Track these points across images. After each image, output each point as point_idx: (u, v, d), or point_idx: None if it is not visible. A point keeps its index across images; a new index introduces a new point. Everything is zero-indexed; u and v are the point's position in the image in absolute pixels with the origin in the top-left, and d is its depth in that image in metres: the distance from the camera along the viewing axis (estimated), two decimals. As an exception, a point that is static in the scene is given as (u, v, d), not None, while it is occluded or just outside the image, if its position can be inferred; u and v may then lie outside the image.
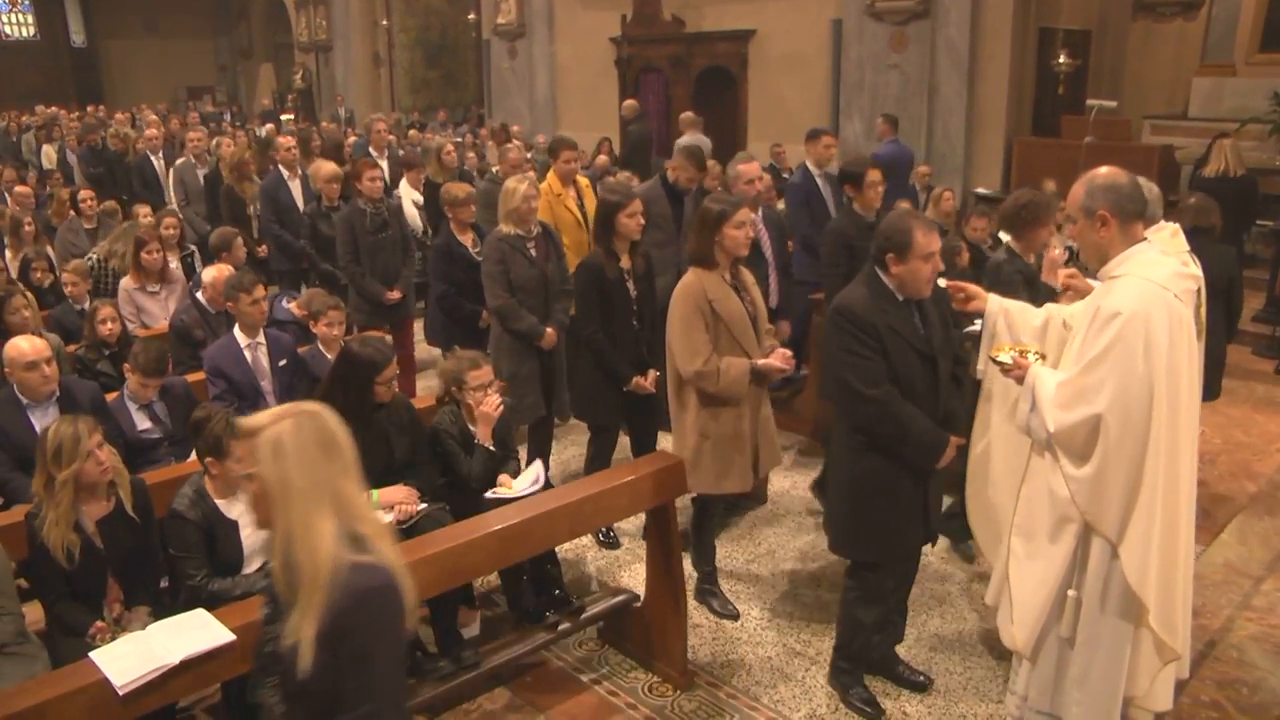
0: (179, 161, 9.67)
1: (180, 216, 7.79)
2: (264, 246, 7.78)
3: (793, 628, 4.32)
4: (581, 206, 6.38)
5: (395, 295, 6.54)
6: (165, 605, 3.56)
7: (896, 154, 9.34)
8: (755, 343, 4.10)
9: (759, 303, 4.24)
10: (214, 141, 9.57)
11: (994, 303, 3.46)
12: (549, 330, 5.19)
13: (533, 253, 5.18)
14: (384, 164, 8.65)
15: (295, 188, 7.77)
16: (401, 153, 10.12)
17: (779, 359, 4.10)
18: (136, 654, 2.83)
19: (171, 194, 9.54)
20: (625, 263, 4.65)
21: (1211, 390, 5.76)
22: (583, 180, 6.65)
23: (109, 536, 3.43)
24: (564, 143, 6.63)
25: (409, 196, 7.98)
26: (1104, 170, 3.01)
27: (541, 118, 15.64)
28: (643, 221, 4.62)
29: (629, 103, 12.63)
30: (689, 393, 4.14)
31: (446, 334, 6.01)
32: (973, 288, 3.51)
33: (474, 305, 5.79)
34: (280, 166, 7.86)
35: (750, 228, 4.13)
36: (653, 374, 4.73)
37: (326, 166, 7.38)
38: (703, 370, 3.98)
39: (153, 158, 10.27)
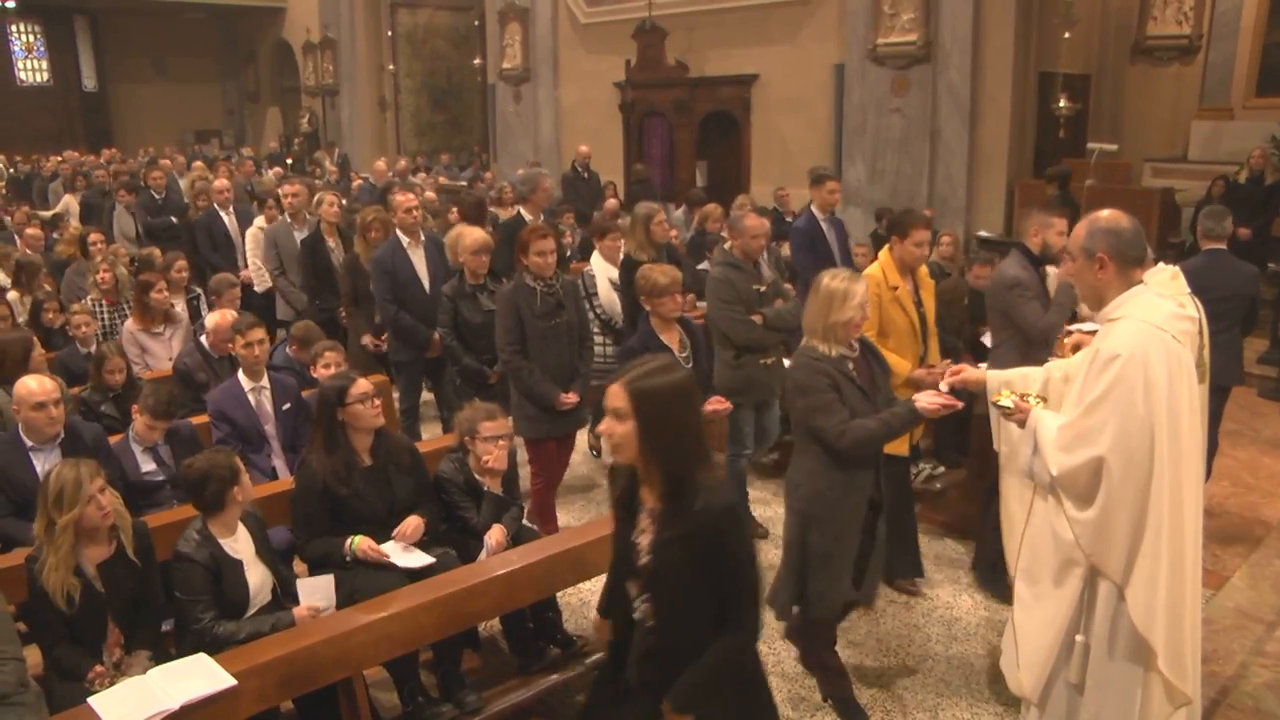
0: (267, 223, 8.21)
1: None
2: (384, 337, 6.39)
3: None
4: (919, 305, 4.80)
5: (572, 399, 5.12)
6: (167, 650, 3.54)
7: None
8: None
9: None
10: (314, 199, 7.78)
11: (993, 378, 3.42)
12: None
13: (856, 378, 3.71)
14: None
15: (418, 259, 6.22)
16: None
17: None
18: (136, 699, 2.82)
19: (255, 258, 8.17)
20: None
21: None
22: (923, 270, 5.00)
23: (110, 580, 3.41)
24: (916, 219, 4.83)
25: (603, 274, 6.33)
26: (1106, 213, 3.02)
27: (547, 161, 15.76)
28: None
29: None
30: None
31: None
32: (968, 370, 3.52)
33: None
34: (399, 232, 6.27)
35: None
36: None
37: (472, 234, 5.71)
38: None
39: (223, 214, 8.59)
